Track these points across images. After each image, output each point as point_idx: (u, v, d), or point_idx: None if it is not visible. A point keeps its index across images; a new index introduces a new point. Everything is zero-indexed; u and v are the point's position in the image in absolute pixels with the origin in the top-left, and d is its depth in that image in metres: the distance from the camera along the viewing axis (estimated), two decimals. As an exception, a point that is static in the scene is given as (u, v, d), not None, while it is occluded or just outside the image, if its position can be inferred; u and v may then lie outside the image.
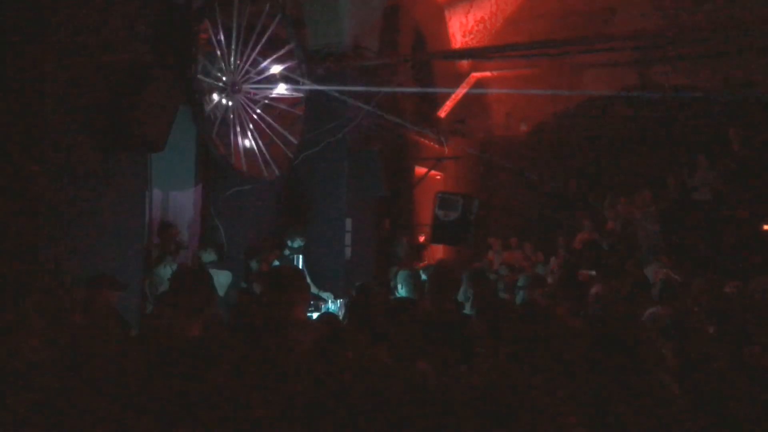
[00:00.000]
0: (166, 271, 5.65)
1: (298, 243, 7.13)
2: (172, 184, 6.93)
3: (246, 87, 7.08)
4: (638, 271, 7.48)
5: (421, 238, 11.39)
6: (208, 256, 6.17)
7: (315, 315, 4.78)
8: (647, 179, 10.72)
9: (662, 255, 8.67)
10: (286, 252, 7.13)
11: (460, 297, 5.01)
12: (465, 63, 12.62)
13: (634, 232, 10.11)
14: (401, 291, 4.68)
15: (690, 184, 10.16)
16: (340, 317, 4.47)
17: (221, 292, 5.71)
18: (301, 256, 7.20)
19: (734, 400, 2.29)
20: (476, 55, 11.07)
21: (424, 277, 5.24)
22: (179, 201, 7.10)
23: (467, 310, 4.47)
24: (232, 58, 6.89)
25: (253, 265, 6.96)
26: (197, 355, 2.30)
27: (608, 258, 9.11)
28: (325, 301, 6.77)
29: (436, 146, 11.78)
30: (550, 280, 9.15)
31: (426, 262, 10.27)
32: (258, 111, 7.32)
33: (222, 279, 5.79)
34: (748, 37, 8.44)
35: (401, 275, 4.78)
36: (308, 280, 7.07)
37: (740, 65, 10.33)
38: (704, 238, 9.73)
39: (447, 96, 12.44)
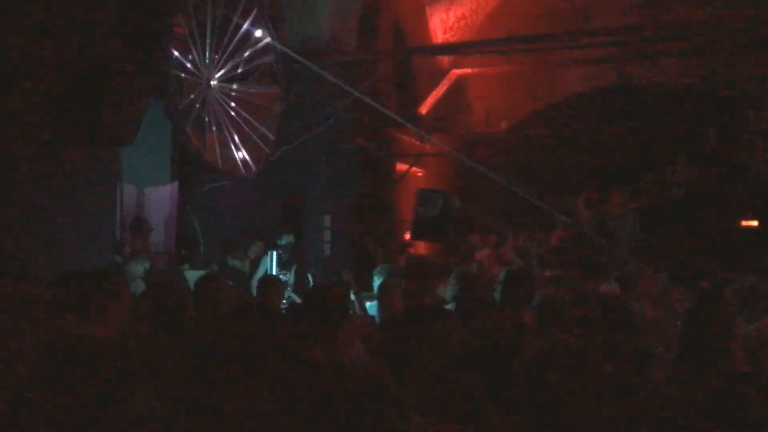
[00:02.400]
0: (138, 268, 5.57)
1: (286, 240, 7.06)
2: (147, 181, 6.85)
3: (221, 82, 6.99)
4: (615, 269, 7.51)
5: (406, 236, 11.36)
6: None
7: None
8: (625, 176, 10.78)
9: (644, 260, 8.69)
10: (279, 250, 7.05)
11: (447, 296, 4.99)
12: (445, 60, 12.60)
13: (612, 230, 10.17)
14: (378, 284, 4.66)
15: (668, 180, 10.23)
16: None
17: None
18: (274, 254, 7.12)
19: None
20: (456, 50, 11.05)
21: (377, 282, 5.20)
22: (155, 197, 7.02)
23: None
24: (207, 53, 6.80)
25: (230, 261, 6.89)
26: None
27: (585, 255, 9.13)
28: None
29: (417, 143, 11.76)
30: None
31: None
32: (233, 106, 7.24)
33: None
34: (726, 35, 8.49)
35: (380, 270, 4.76)
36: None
37: (718, 63, 10.40)
38: (682, 235, 9.80)
39: (428, 93, 12.43)
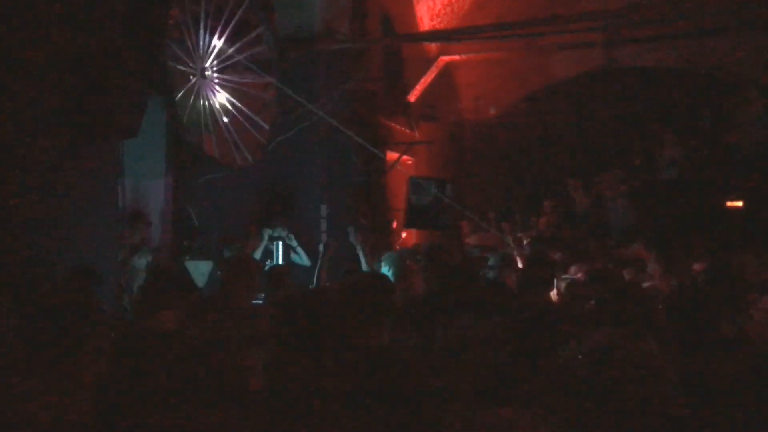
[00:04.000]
0: (141, 262, 5.52)
1: (279, 232, 7.03)
2: (143, 173, 6.77)
3: (215, 72, 6.93)
4: (602, 253, 7.59)
5: (394, 224, 11.37)
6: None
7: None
8: (616, 159, 10.88)
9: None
10: (266, 241, 7.02)
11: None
12: (433, 47, 12.58)
13: (605, 213, 10.27)
14: (385, 271, 4.66)
15: (659, 162, 10.34)
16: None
17: (202, 282, 5.61)
18: (280, 243, 7.10)
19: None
20: (448, 37, 11.04)
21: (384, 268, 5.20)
22: (150, 190, 6.94)
23: None
24: (201, 44, 6.73)
25: (226, 253, 6.85)
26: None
27: (573, 240, 9.23)
28: None
29: (407, 131, 11.75)
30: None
31: (398, 247, 10.25)
32: (228, 97, 7.18)
33: (203, 268, 5.69)
34: (715, 18, 8.59)
35: (388, 256, 4.76)
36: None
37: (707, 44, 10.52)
38: (673, 217, 9.92)
39: (417, 80, 12.41)
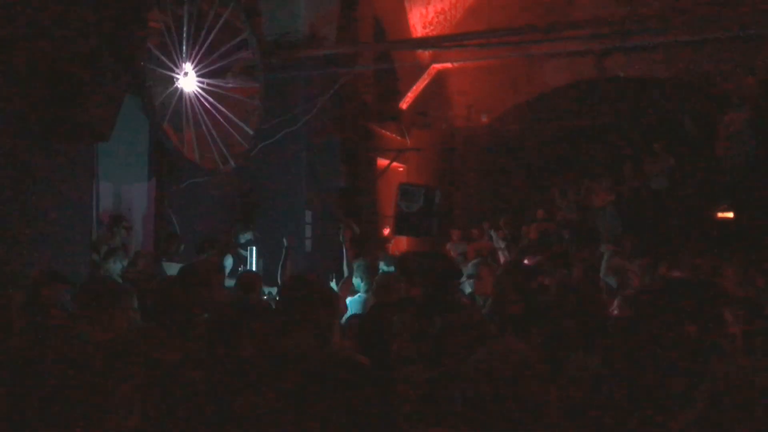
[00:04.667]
0: (117, 266, 5.48)
1: (245, 238, 6.99)
2: (124, 177, 6.76)
3: (198, 77, 6.91)
4: (580, 260, 7.55)
5: (386, 231, 11.34)
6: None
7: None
8: (605, 168, 10.86)
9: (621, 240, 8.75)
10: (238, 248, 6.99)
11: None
12: (426, 55, 12.59)
13: (593, 222, 10.25)
14: (356, 281, 4.64)
15: (648, 171, 10.32)
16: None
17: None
18: (254, 249, 7.06)
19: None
20: (436, 44, 11.03)
21: (384, 267, 5.18)
22: (132, 194, 6.93)
23: None
24: (183, 47, 6.72)
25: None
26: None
27: (561, 247, 9.20)
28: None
29: (399, 138, 11.75)
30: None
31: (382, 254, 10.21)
32: (211, 101, 7.16)
33: (173, 271, 5.65)
34: (704, 28, 8.58)
35: (359, 265, 4.73)
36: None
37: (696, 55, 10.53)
38: (662, 226, 9.89)
39: (409, 87, 12.42)
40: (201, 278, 2.96)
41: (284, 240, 6.34)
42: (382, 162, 11.47)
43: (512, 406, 1.47)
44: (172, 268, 5.50)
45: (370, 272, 4.50)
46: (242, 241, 7.00)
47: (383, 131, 11.27)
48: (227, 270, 6.52)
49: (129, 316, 2.90)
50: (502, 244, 10.27)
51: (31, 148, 4.58)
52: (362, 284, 4.52)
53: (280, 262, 5.66)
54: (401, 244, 11.69)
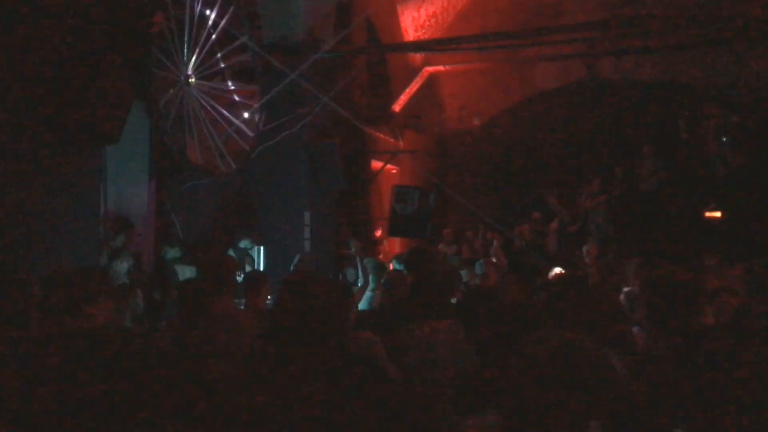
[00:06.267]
0: (123, 266, 5.54)
1: (245, 244, 7.02)
2: (126, 179, 6.78)
3: (199, 80, 6.98)
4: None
5: (378, 233, 11.42)
6: (173, 253, 6.06)
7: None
8: (595, 170, 11.01)
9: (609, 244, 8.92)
10: (230, 252, 6.99)
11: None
12: (418, 58, 12.71)
13: (585, 224, 10.40)
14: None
15: (638, 173, 10.49)
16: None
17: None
18: (261, 249, 7.11)
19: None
20: (429, 47, 11.16)
21: (397, 266, 5.26)
22: (133, 196, 6.95)
23: None
24: (185, 51, 6.78)
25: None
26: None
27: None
28: None
29: (392, 140, 11.84)
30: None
31: (381, 256, 10.30)
32: (212, 104, 7.23)
33: (188, 274, 5.72)
34: (692, 31, 8.77)
35: (369, 263, 4.83)
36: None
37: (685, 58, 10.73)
38: (652, 228, 10.06)
39: (402, 90, 12.52)
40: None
41: (297, 256, 6.37)
42: (376, 164, 11.55)
43: (568, 396, 1.52)
44: (186, 271, 5.56)
45: (378, 270, 4.59)
46: (242, 246, 7.03)
47: (377, 134, 11.37)
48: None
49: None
50: (496, 245, 10.38)
51: (41, 150, 4.61)
52: (371, 282, 4.62)
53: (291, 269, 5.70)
54: (394, 245, 11.78)
